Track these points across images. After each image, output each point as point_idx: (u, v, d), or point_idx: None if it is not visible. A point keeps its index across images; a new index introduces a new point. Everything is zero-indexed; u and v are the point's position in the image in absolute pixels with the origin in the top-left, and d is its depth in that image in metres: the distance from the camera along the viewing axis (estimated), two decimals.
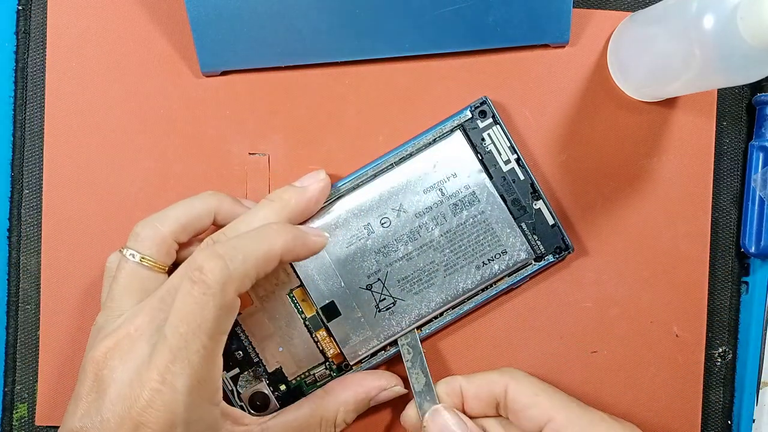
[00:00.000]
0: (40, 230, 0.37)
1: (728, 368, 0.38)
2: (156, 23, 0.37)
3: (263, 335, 0.35)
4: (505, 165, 0.35)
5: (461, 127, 0.35)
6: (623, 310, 0.37)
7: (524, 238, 0.35)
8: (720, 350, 0.38)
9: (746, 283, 0.38)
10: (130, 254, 0.32)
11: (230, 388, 0.35)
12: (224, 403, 0.32)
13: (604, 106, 0.37)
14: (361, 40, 0.36)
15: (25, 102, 0.37)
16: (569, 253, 0.36)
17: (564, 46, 0.37)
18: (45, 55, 0.37)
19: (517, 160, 0.35)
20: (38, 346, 0.37)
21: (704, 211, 0.38)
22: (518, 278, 0.36)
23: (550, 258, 0.36)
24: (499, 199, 0.35)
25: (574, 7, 0.36)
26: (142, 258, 0.32)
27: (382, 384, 0.35)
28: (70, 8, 0.37)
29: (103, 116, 0.37)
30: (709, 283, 0.38)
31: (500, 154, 0.35)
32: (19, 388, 0.37)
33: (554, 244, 0.36)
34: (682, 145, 0.38)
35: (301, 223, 0.34)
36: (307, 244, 0.32)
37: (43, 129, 0.37)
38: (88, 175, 0.37)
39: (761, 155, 0.37)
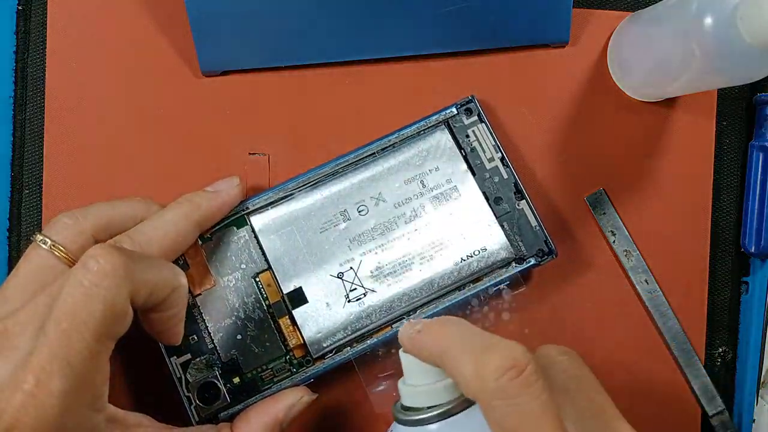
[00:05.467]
0: (40, 230, 0.37)
1: (728, 368, 0.38)
2: (156, 23, 0.37)
3: (221, 320, 0.33)
4: (489, 163, 0.35)
5: (446, 122, 0.35)
6: (623, 310, 0.37)
7: (505, 238, 0.34)
8: (720, 350, 0.38)
9: (746, 283, 0.38)
10: (42, 240, 0.29)
11: (178, 376, 0.33)
12: (114, 408, 0.29)
13: (604, 106, 0.37)
14: (361, 40, 0.36)
15: (25, 102, 0.37)
16: (553, 257, 0.34)
17: (564, 46, 0.37)
18: (45, 55, 0.37)
19: (501, 159, 0.35)
20: None
21: (704, 211, 0.38)
22: (498, 279, 0.34)
23: (532, 261, 0.34)
24: (481, 196, 0.34)
25: (574, 7, 0.36)
26: (53, 245, 0.29)
27: (288, 403, 0.32)
28: (70, 8, 0.37)
29: (103, 116, 0.37)
30: (709, 283, 0.38)
31: (484, 152, 0.35)
32: None
33: (536, 246, 0.34)
34: (682, 145, 0.37)
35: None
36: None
37: (43, 129, 0.37)
38: (88, 175, 0.37)
39: (761, 155, 0.37)
